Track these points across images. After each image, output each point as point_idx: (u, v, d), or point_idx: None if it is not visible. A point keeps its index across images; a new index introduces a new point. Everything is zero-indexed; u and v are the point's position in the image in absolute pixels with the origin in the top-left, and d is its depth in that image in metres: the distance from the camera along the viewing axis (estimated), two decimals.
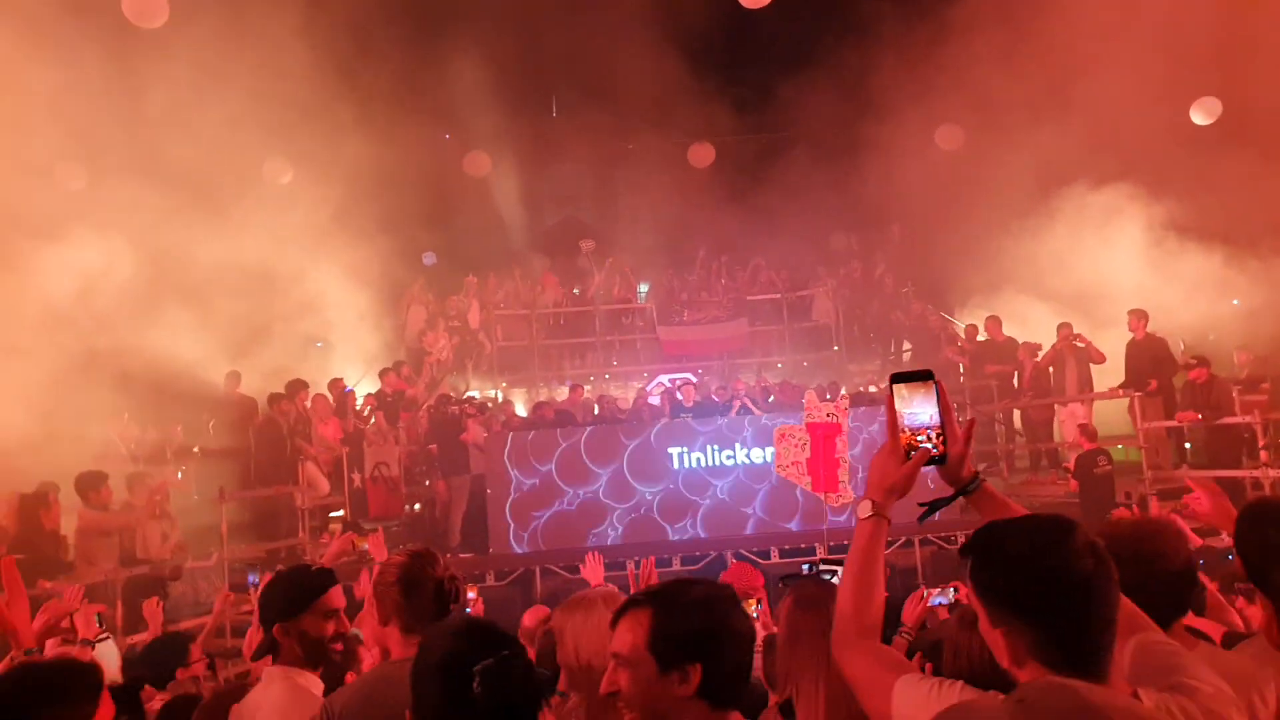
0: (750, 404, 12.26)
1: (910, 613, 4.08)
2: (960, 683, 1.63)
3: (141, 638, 5.30)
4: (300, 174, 14.07)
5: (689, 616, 1.77)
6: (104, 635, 4.49)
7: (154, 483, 8.62)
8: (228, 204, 12.19)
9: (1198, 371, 10.38)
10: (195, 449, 10.77)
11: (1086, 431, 10.25)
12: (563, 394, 14.08)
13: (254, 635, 4.74)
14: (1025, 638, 1.54)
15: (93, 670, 1.91)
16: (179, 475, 10.51)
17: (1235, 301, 13.73)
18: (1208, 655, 1.83)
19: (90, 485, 7.70)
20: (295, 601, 2.71)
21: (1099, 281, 13.01)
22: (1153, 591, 2.01)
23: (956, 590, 4.74)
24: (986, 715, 1.07)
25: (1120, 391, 11.20)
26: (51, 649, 3.51)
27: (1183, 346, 11.94)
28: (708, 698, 1.74)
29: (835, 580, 4.39)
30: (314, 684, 2.71)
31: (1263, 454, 9.29)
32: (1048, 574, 1.52)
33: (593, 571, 4.64)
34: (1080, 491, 9.86)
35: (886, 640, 3.97)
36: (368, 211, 13.55)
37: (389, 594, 2.58)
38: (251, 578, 5.25)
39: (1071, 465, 10.59)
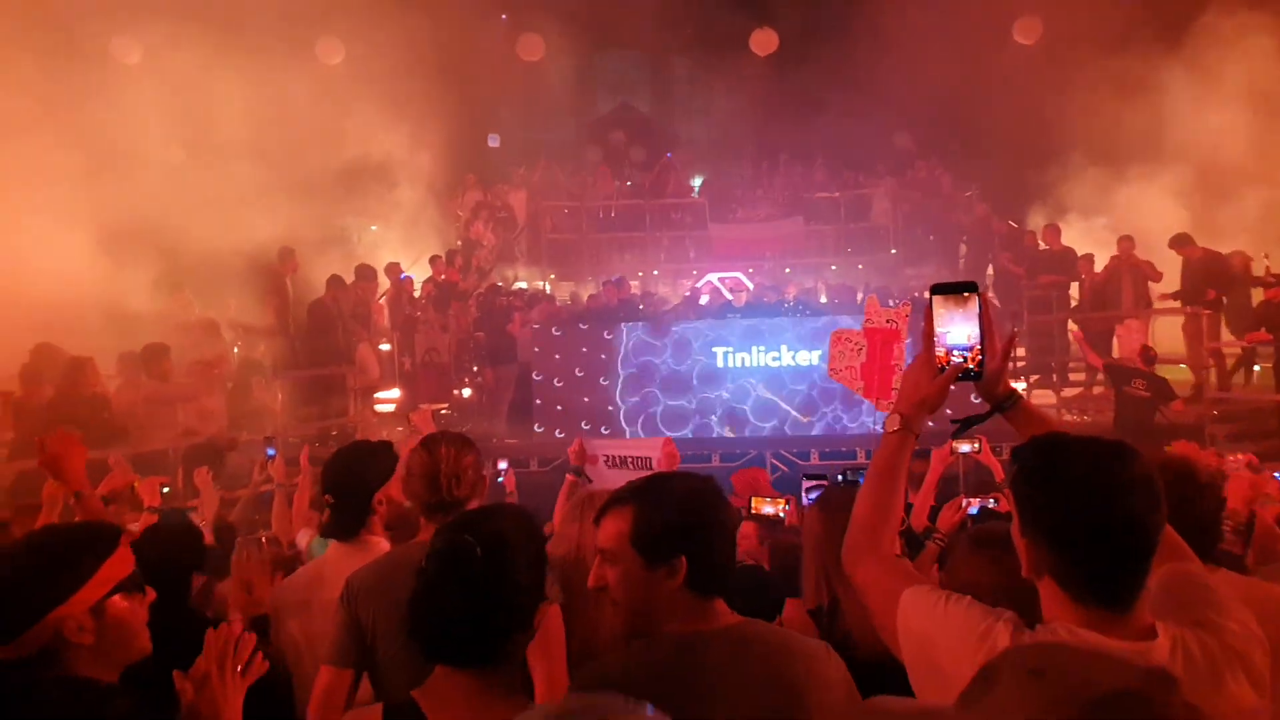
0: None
1: (946, 519, 4.03)
2: (968, 598, 1.60)
3: (195, 503, 5.50)
4: (352, 53, 13.85)
5: (670, 511, 1.80)
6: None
7: (211, 355, 8.86)
8: (284, 83, 11.99)
9: (1276, 290, 9.75)
10: (244, 326, 10.91)
11: (1145, 355, 9.50)
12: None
13: (299, 503, 4.91)
14: (1050, 559, 1.50)
15: (107, 530, 1.93)
16: (235, 350, 10.72)
17: None
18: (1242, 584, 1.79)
19: (154, 356, 7.92)
20: (387, 469, 2.97)
21: (1202, 155, 12.38)
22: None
23: (996, 502, 4.67)
24: (1003, 675, 1.02)
25: (1180, 306, 10.71)
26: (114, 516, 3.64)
27: (1267, 259, 11.15)
28: (695, 588, 1.79)
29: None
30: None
31: None
32: (1093, 508, 1.46)
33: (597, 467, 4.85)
34: (1116, 412, 9.35)
35: (920, 545, 3.94)
36: (423, 92, 13.26)
37: (411, 483, 2.64)
38: (270, 451, 5.42)
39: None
